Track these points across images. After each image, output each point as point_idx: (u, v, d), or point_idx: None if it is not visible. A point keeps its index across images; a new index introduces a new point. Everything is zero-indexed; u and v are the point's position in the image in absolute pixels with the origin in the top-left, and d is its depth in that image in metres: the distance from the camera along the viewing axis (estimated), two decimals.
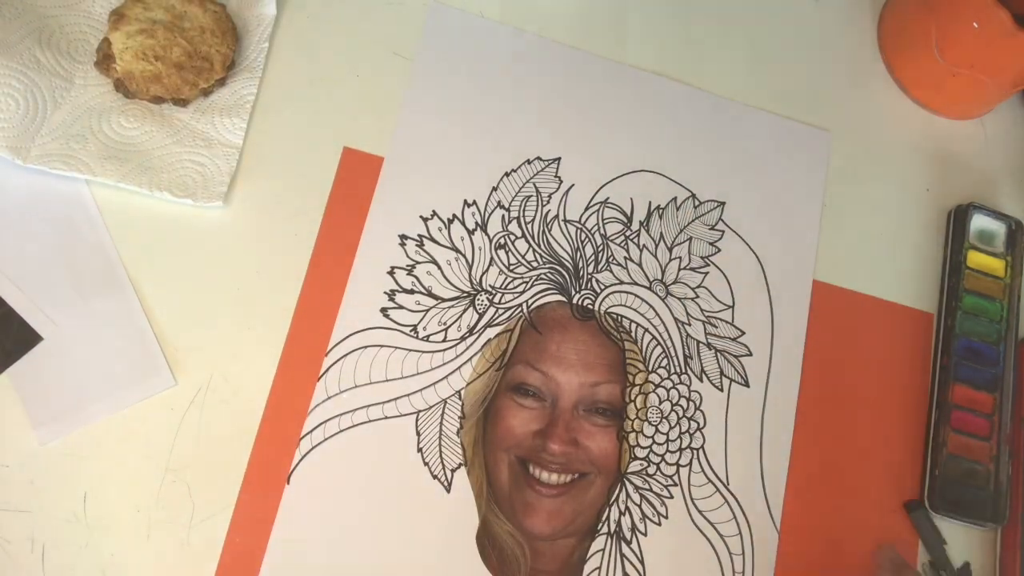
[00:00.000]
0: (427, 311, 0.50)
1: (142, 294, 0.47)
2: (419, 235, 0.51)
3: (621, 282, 0.53)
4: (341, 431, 0.47)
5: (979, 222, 0.60)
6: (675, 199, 0.56)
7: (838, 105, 0.63)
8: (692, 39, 0.61)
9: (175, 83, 0.49)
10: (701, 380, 0.53)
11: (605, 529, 0.49)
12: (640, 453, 0.51)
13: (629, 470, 0.50)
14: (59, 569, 0.43)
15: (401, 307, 0.50)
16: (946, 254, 0.60)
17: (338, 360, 0.48)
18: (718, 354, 0.53)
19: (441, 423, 0.48)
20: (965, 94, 0.63)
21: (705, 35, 0.61)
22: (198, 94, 0.51)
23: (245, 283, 0.48)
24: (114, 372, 0.45)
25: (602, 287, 0.53)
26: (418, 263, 0.51)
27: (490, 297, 0.51)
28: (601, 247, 0.54)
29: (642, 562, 0.49)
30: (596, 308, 0.52)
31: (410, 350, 0.49)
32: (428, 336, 0.50)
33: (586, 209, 0.54)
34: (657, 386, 0.52)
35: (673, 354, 0.53)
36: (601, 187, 0.55)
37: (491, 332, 0.50)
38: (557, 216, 0.54)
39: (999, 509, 0.54)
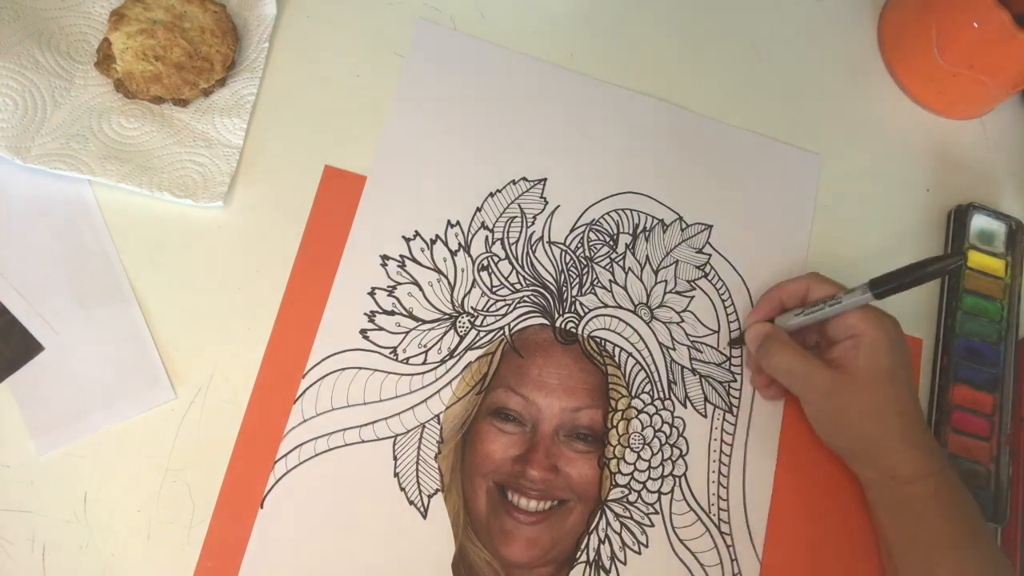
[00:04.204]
0: (407, 333, 0.49)
1: (142, 295, 0.47)
2: (401, 255, 0.51)
3: (605, 305, 0.53)
4: (317, 455, 0.46)
5: (979, 222, 0.60)
6: (662, 221, 0.55)
7: (838, 105, 0.62)
8: (684, 52, 0.60)
9: (175, 83, 0.49)
10: (685, 406, 0.52)
11: (584, 558, 0.48)
12: (621, 480, 0.50)
13: (610, 497, 0.49)
14: (59, 569, 0.43)
15: (381, 328, 0.49)
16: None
17: (315, 382, 0.47)
18: (703, 380, 0.53)
19: (419, 447, 0.48)
20: (965, 94, 0.62)
21: (697, 46, 0.61)
22: (198, 94, 0.51)
23: (246, 283, 0.48)
24: (114, 383, 0.45)
25: (586, 310, 0.52)
26: (399, 284, 0.50)
27: (472, 319, 0.50)
28: (586, 269, 0.53)
29: None
30: (579, 332, 0.52)
31: (389, 372, 0.48)
32: (408, 358, 0.49)
33: (571, 231, 0.54)
34: (640, 412, 0.51)
35: (657, 379, 0.52)
36: (587, 208, 0.54)
37: (472, 355, 0.50)
38: (542, 238, 0.53)
39: (1000, 509, 0.54)
